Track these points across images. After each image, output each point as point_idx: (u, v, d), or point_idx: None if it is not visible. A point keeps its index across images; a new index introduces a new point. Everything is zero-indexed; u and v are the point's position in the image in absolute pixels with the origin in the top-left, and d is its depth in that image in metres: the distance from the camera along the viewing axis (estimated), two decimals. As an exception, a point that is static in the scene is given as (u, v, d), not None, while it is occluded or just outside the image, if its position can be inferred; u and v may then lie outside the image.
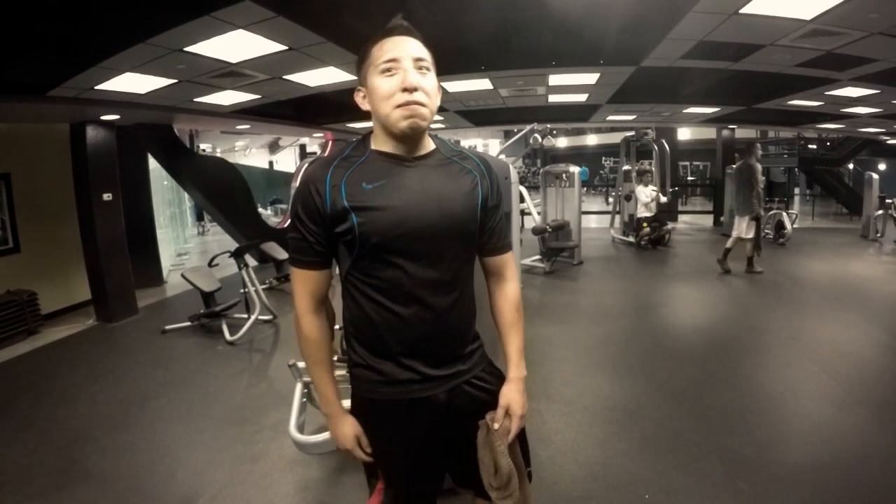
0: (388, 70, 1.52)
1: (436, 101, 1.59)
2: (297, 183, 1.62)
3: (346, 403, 1.71)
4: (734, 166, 8.94)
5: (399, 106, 1.51)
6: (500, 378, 1.82)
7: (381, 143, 1.61)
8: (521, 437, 1.81)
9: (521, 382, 1.77)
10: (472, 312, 1.78)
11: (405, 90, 1.50)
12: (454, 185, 1.64)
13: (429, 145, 1.66)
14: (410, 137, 1.57)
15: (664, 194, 11.86)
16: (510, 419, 1.72)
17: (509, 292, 1.82)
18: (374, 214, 1.52)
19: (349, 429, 1.71)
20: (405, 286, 1.58)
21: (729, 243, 8.91)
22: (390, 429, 1.69)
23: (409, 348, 1.63)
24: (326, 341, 1.71)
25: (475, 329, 1.80)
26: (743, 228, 8.56)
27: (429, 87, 1.54)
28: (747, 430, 3.80)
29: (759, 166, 8.43)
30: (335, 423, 1.72)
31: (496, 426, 1.69)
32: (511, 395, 1.74)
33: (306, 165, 13.78)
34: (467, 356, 1.74)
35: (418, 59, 1.54)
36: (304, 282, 1.64)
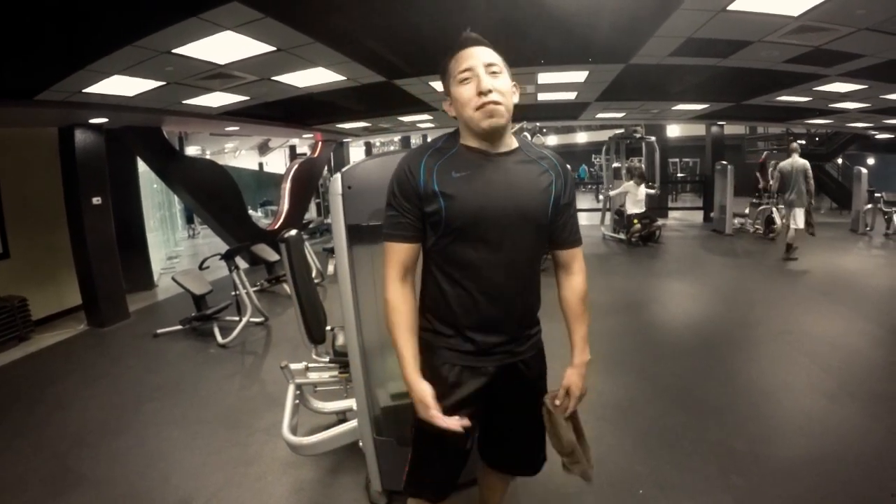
0: (465, 79, 1.72)
1: (511, 99, 1.76)
2: (396, 168, 1.83)
3: (346, 403, 1.72)
4: (783, 164, 9.60)
5: (477, 108, 1.70)
6: (544, 365, 2.10)
7: (468, 140, 1.81)
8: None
9: (583, 367, 1.99)
10: (537, 300, 1.99)
11: (480, 94, 1.69)
12: (531, 182, 1.82)
13: (511, 143, 1.85)
14: (492, 134, 1.76)
15: (651, 187, 11.92)
16: (569, 399, 1.96)
17: (576, 284, 2.01)
18: (460, 200, 1.72)
19: (424, 392, 1.77)
20: (479, 267, 1.78)
21: (790, 237, 9.42)
22: (442, 387, 1.83)
23: (473, 322, 1.83)
24: (412, 310, 1.84)
25: (537, 316, 2.03)
26: (800, 220, 9.21)
27: (502, 87, 1.72)
28: (740, 424, 3.82)
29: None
30: (412, 386, 1.80)
31: (557, 402, 1.96)
32: (573, 378, 1.96)
33: (297, 165, 13.73)
34: (524, 339, 1.95)
35: (489, 65, 1.72)
36: (395, 254, 1.81)
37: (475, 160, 1.77)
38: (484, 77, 1.69)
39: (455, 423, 1.74)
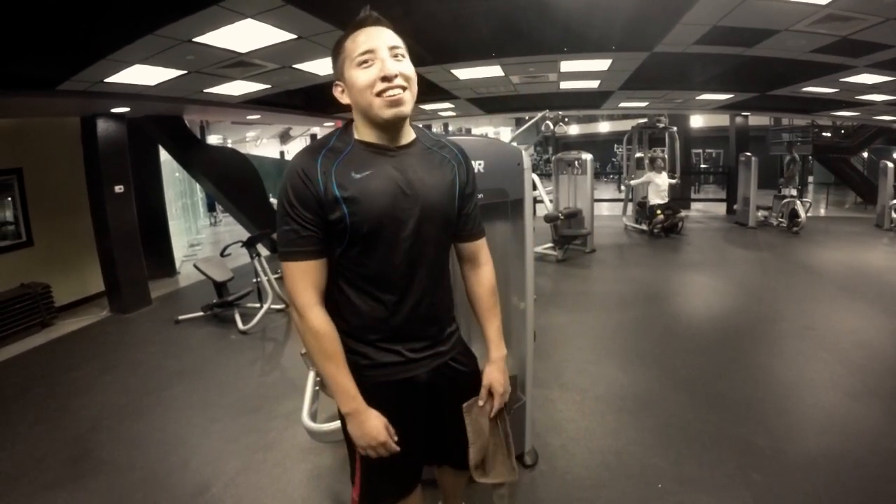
0: (366, 62, 1.56)
1: (415, 87, 1.62)
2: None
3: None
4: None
5: (379, 94, 1.55)
6: (474, 359, 1.97)
7: (364, 134, 1.65)
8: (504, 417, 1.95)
9: (502, 362, 1.90)
10: (451, 297, 1.90)
11: (384, 79, 1.54)
12: (435, 175, 1.71)
13: (410, 135, 1.72)
14: (393, 125, 1.62)
15: (672, 177, 11.84)
16: (493, 399, 1.87)
17: (484, 277, 1.91)
18: (364, 204, 1.56)
19: (378, 420, 1.68)
20: (392, 274, 1.66)
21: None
22: (378, 411, 1.70)
23: (394, 334, 1.71)
24: (337, 334, 1.66)
25: (453, 313, 1.93)
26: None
27: (408, 73, 1.59)
28: (760, 420, 3.78)
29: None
30: (362, 418, 1.67)
31: (481, 403, 1.86)
32: (493, 375, 1.87)
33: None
34: (447, 338, 1.85)
35: (393, 48, 1.58)
36: (304, 275, 1.61)
37: (374, 157, 1.63)
38: (388, 60, 1.55)
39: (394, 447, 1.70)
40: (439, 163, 1.74)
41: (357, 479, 1.86)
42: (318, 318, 1.63)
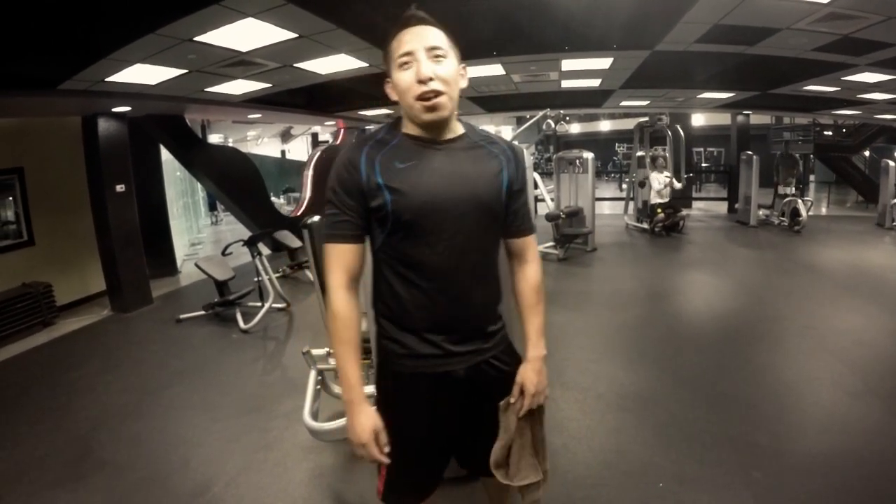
0: (405, 64, 1.57)
1: (456, 87, 1.63)
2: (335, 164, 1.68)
3: (368, 389, 1.71)
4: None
5: (418, 98, 1.56)
6: (518, 360, 1.86)
7: (411, 129, 1.67)
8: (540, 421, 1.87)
9: (538, 362, 1.82)
10: (498, 293, 1.83)
11: (420, 82, 1.55)
12: (481, 168, 1.69)
13: (457, 129, 1.72)
14: (435, 126, 1.63)
15: (678, 180, 11.81)
16: (523, 398, 1.78)
17: (530, 274, 1.87)
18: (406, 192, 1.58)
19: (368, 420, 1.65)
20: (433, 263, 1.64)
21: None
22: (413, 402, 1.73)
23: (433, 324, 1.69)
24: (357, 321, 1.69)
25: (499, 310, 1.85)
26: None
27: (445, 74, 1.57)
28: (761, 419, 3.78)
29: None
30: (355, 411, 1.65)
31: (512, 401, 1.78)
32: (527, 373, 1.79)
33: (319, 153, 13.79)
34: (490, 335, 1.79)
35: (432, 49, 1.56)
36: (339, 256, 1.66)
37: (419, 149, 1.64)
38: (424, 62, 1.55)
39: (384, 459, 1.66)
40: (486, 157, 1.73)
41: (382, 469, 1.81)
42: (342, 301, 1.66)
